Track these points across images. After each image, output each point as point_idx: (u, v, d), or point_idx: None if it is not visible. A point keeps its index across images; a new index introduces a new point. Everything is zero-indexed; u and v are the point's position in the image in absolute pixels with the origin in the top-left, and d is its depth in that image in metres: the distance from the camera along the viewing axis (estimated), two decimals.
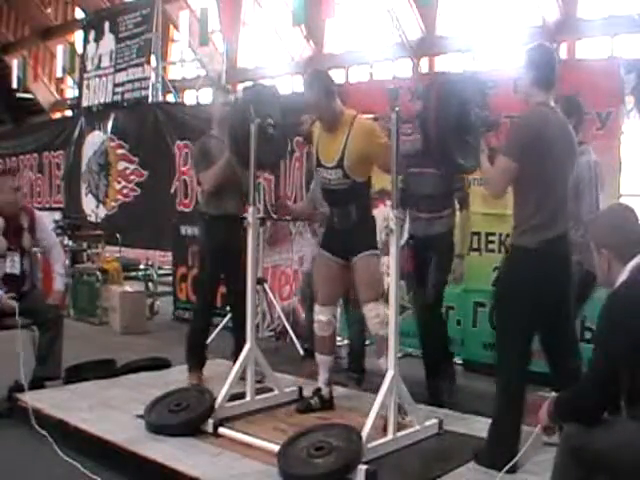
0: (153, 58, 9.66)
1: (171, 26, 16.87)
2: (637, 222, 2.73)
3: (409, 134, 5.74)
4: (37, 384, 4.63)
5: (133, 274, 9.59)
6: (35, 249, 5.25)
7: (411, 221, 4.93)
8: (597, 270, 2.78)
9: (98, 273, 8.14)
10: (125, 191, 9.52)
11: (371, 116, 4.39)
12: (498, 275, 3.78)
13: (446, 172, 4.43)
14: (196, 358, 4.97)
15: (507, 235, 5.35)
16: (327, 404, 4.37)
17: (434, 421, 3.96)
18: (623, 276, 2.64)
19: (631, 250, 2.66)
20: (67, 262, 8.27)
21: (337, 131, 4.17)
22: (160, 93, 9.96)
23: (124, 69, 9.92)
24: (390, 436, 3.67)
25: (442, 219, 4.80)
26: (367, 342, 6.24)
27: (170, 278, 8.54)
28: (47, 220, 5.71)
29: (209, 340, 6.27)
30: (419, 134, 4.38)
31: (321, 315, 4.32)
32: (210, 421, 3.94)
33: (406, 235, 4.92)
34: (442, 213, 4.80)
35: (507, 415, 3.43)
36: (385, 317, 3.90)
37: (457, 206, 4.93)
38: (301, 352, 6.26)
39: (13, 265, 4.87)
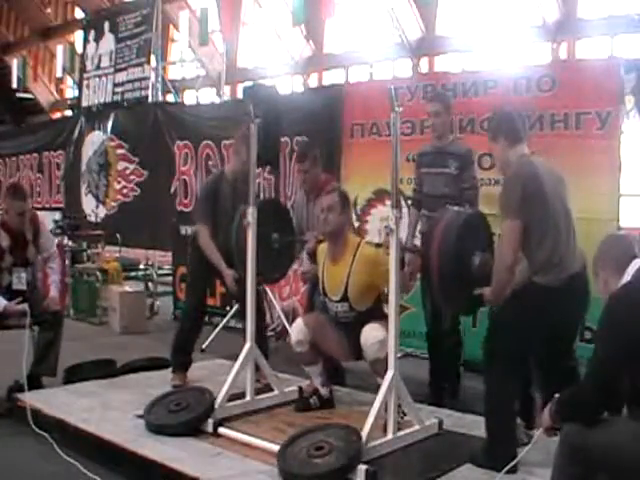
0: (153, 58, 9.67)
1: (171, 26, 16.87)
2: (630, 245, 2.77)
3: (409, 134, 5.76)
4: (34, 381, 4.62)
5: (133, 274, 9.56)
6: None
7: (423, 221, 4.93)
8: (599, 293, 2.80)
9: (98, 273, 8.14)
10: (125, 191, 9.52)
11: (375, 241, 4.43)
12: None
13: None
14: (180, 359, 4.96)
15: None
16: (327, 403, 4.36)
17: (434, 421, 3.96)
18: (625, 279, 2.65)
19: (624, 261, 2.68)
20: (67, 262, 8.31)
21: (341, 260, 4.12)
22: (160, 93, 9.96)
23: (124, 69, 9.92)
24: (390, 436, 3.67)
25: None
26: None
27: (170, 278, 8.53)
28: (46, 222, 5.69)
29: (208, 340, 6.33)
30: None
31: (295, 334, 4.23)
32: (210, 421, 3.93)
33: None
34: None
35: (497, 416, 3.43)
36: (385, 340, 3.76)
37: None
38: None
39: (20, 281, 4.92)
